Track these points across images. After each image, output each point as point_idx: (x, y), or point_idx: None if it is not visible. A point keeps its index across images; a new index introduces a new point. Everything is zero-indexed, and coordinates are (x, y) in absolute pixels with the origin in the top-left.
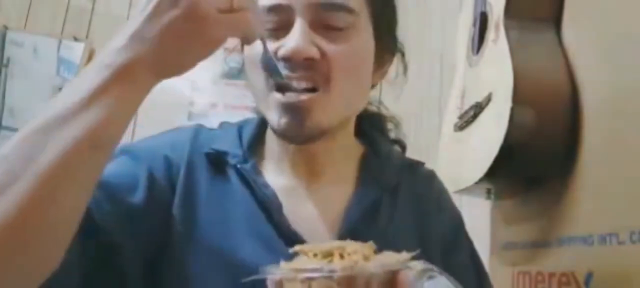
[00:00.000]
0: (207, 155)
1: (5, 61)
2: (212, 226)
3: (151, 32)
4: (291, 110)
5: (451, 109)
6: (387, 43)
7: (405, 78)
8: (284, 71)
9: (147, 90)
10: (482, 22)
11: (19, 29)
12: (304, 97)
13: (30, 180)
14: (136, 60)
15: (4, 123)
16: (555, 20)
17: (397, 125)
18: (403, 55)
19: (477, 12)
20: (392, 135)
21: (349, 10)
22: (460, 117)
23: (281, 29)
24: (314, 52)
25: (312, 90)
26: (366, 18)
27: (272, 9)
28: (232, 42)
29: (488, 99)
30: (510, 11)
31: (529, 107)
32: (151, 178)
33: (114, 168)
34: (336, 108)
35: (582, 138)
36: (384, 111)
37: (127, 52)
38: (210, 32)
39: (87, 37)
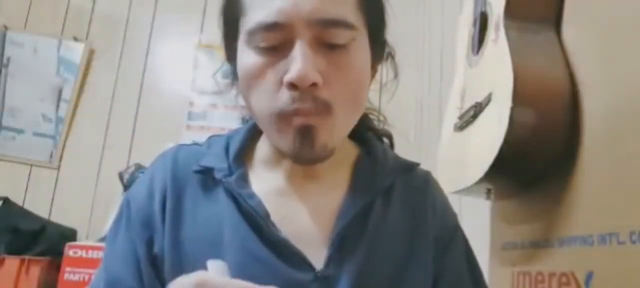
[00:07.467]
0: (197, 172)
1: (5, 61)
2: (197, 244)
3: None
4: (302, 132)
5: (451, 109)
6: (379, 48)
7: (396, 81)
8: (289, 96)
9: None
10: (482, 22)
11: (19, 29)
12: (313, 118)
13: None
14: None
15: (4, 123)
16: (555, 20)
17: (379, 119)
18: (393, 58)
19: (477, 12)
20: (379, 128)
21: (348, 25)
22: (460, 117)
23: (279, 48)
24: (317, 78)
25: (317, 113)
26: (362, 29)
27: (270, 28)
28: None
29: (488, 99)
30: (510, 11)
31: (528, 107)
32: (149, 245)
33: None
34: (339, 129)
35: (582, 138)
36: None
37: None
38: None
39: (87, 37)
